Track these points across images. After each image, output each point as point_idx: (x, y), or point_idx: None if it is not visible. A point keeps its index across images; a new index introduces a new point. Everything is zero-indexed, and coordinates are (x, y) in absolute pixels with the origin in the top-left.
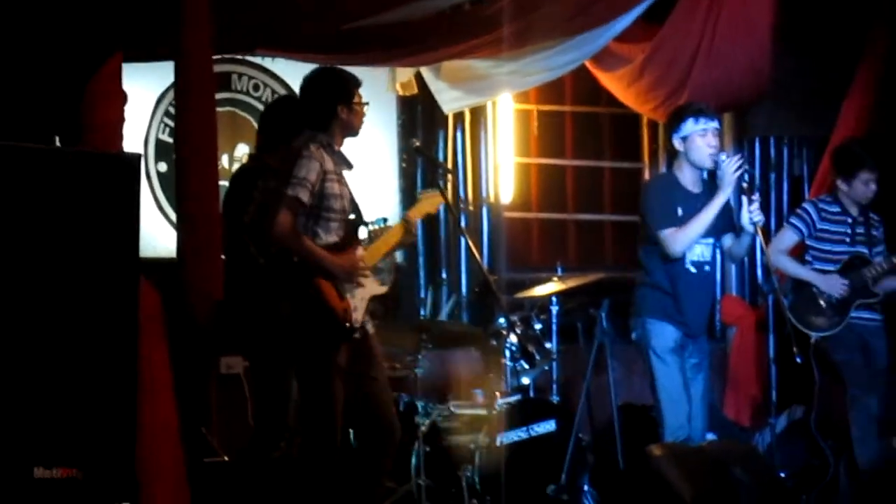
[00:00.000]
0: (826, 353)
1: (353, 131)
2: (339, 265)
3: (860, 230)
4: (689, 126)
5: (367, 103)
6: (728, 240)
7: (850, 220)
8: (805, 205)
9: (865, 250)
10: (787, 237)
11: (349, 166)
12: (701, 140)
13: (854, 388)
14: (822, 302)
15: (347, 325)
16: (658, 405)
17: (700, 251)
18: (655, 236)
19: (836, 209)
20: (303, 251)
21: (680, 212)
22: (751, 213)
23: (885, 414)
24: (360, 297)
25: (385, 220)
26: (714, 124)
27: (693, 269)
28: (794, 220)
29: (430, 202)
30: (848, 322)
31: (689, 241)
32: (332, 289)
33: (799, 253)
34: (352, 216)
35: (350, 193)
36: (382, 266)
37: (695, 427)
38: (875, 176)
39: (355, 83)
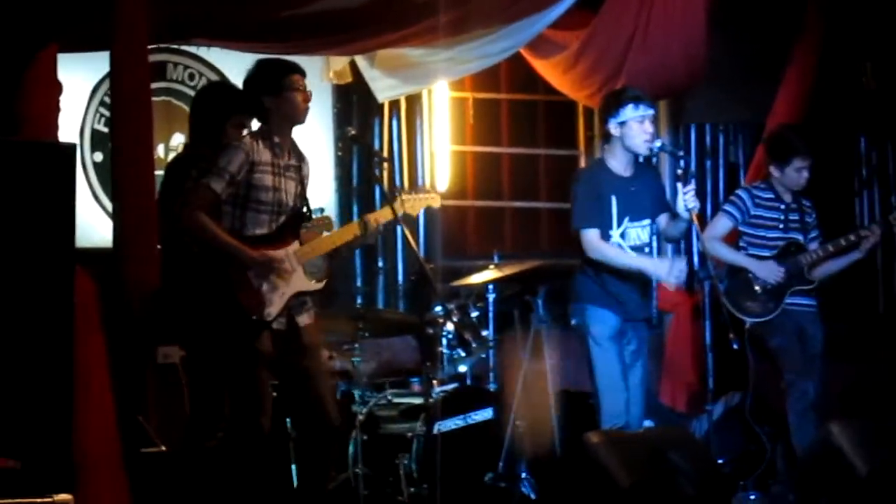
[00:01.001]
0: (761, 338)
1: (292, 120)
2: (250, 257)
3: (794, 217)
4: (628, 112)
5: (299, 89)
6: (663, 220)
7: (783, 207)
8: (739, 191)
9: (800, 237)
10: (722, 224)
11: (299, 158)
12: (638, 127)
13: (790, 374)
14: (757, 288)
15: (254, 317)
16: (596, 392)
17: (636, 234)
18: (575, 231)
19: (770, 196)
20: (208, 239)
21: (613, 201)
22: (685, 201)
23: (820, 399)
24: (281, 293)
25: (322, 209)
26: (651, 111)
27: (633, 254)
28: (727, 207)
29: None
30: (783, 308)
31: (606, 261)
32: (242, 280)
33: (733, 239)
34: (304, 210)
35: (296, 187)
36: (317, 262)
37: (633, 414)
38: (808, 164)
39: (283, 71)
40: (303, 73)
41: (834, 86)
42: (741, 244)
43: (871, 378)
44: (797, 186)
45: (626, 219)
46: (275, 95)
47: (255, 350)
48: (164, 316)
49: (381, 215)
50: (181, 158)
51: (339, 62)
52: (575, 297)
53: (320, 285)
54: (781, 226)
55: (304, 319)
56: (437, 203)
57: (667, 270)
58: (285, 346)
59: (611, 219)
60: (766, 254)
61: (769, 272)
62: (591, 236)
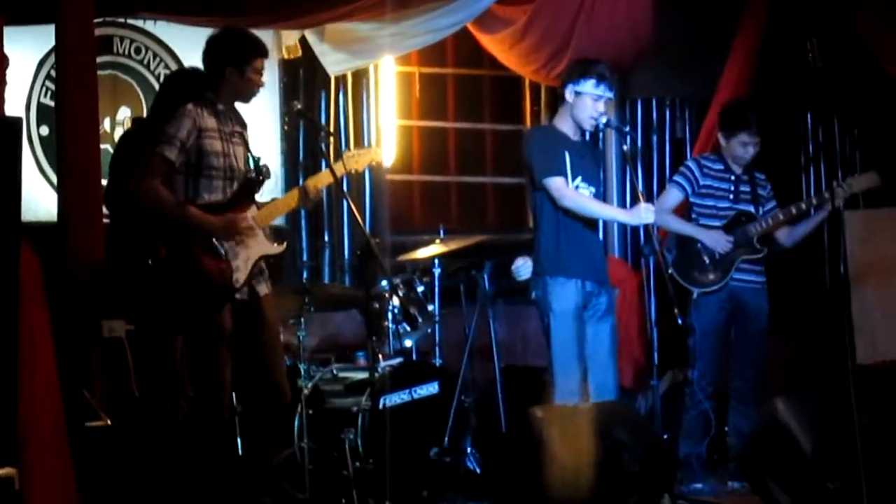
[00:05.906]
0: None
1: (241, 97)
2: (212, 222)
3: (744, 188)
4: (589, 86)
5: (259, 73)
6: None
7: (733, 178)
8: (688, 162)
9: (751, 208)
10: (672, 196)
11: (241, 125)
12: (591, 103)
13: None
14: (706, 258)
15: (224, 285)
16: (551, 368)
17: (588, 195)
18: (541, 184)
19: (720, 166)
20: (167, 210)
21: (567, 157)
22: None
23: (762, 375)
24: (245, 258)
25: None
26: (610, 95)
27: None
28: (677, 178)
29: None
30: (728, 282)
31: (578, 207)
32: (206, 249)
33: (683, 211)
34: (252, 175)
35: (245, 153)
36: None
37: (606, 381)
38: (755, 140)
39: (254, 51)
40: (267, 57)
41: (780, 62)
42: (692, 215)
43: (816, 354)
44: (741, 161)
45: (580, 178)
46: (238, 71)
47: (217, 327)
48: (109, 290)
49: (321, 180)
50: (131, 133)
51: (291, 37)
52: (537, 268)
53: (282, 247)
54: (731, 196)
55: (263, 289)
56: (379, 157)
57: (637, 215)
58: (245, 319)
59: (566, 173)
60: (717, 223)
61: (716, 241)
62: (558, 184)
